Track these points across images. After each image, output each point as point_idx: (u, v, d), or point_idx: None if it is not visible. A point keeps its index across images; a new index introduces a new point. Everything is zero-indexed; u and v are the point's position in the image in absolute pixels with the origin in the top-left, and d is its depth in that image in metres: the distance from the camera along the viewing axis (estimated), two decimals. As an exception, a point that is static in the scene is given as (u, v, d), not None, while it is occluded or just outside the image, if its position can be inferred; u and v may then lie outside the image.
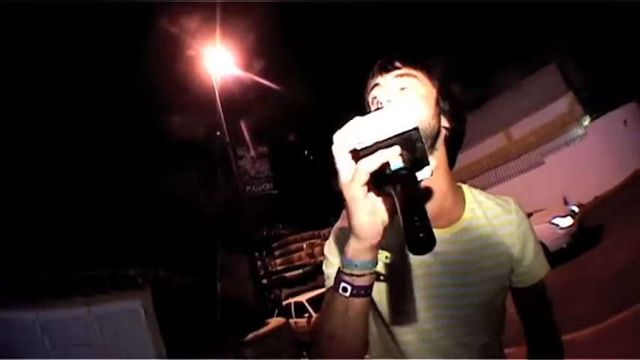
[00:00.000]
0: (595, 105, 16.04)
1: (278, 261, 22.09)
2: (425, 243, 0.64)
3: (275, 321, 9.83)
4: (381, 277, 0.98)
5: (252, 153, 16.52)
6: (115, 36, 11.86)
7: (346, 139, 0.72)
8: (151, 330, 7.28)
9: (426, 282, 1.05)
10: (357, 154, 0.71)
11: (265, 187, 16.47)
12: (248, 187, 15.82)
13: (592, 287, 7.02)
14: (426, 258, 1.01)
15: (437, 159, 1.04)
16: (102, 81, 11.15)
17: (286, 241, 21.92)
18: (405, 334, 1.06)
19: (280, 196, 17.29)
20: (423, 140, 0.71)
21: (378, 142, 0.70)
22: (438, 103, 1.05)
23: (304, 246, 22.18)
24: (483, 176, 18.54)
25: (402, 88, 1.02)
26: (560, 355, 1.22)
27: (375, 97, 1.05)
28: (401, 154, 0.70)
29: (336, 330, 0.85)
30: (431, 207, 1.00)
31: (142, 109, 11.50)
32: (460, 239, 1.06)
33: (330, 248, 1.09)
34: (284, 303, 14.36)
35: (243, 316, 9.16)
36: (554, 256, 9.44)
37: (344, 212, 1.00)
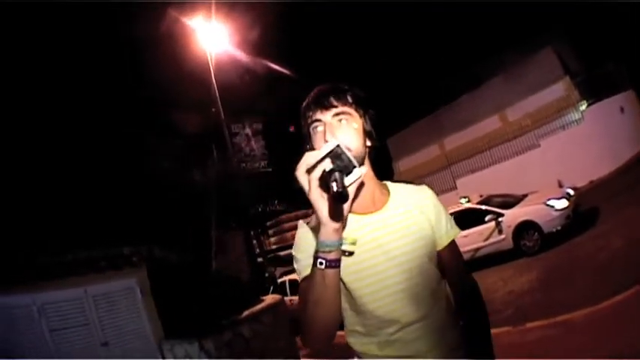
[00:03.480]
0: (592, 91, 16.03)
1: (272, 240, 22.14)
2: (343, 193, 1.07)
3: (270, 298, 9.86)
4: (346, 254, 1.36)
5: (247, 130, 16.39)
6: (106, 11, 11.61)
7: (302, 165, 1.15)
8: (148, 308, 7.28)
9: (374, 248, 1.44)
10: (309, 171, 1.14)
11: (260, 164, 16.41)
12: (242, 165, 15.75)
13: (587, 269, 7.12)
14: (371, 235, 1.45)
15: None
16: (91, 57, 10.96)
17: (280, 220, 21.97)
18: (363, 292, 1.44)
19: (274, 173, 17.23)
20: (347, 153, 1.15)
21: (317, 161, 1.13)
22: (365, 130, 1.47)
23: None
24: (479, 157, 18.60)
25: (340, 120, 1.41)
26: (480, 304, 1.66)
27: (317, 128, 1.43)
28: (332, 163, 1.13)
29: (318, 297, 1.22)
30: (365, 199, 1.48)
31: (135, 86, 11.32)
32: (389, 216, 1.49)
33: (296, 248, 1.49)
34: (279, 281, 14.46)
35: (239, 293, 9.19)
36: (549, 237, 9.56)
37: (300, 222, 1.54)
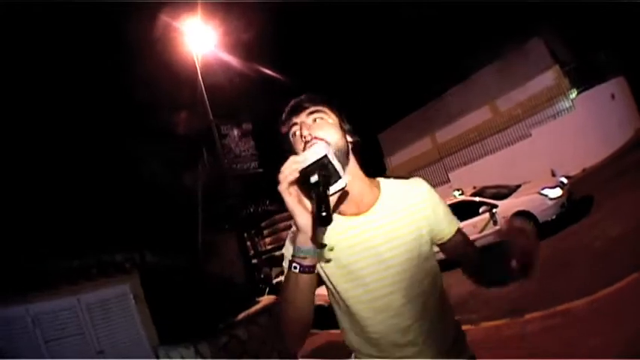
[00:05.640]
0: (582, 79, 16.04)
1: (267, 240, 22.01)
2: (327, 218, 1.06)
3: (266, 299, 9.81)
4: (329, 261, 1.42)
5: (237, 131, 16.28)
6: (93, 13, 11.49)
7: (285, 170, 1.17)
8: (142, 314, 7.22)
9: (361, 252, 1.44)
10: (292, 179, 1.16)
11: (250, 165, 16.29)
12: (233, 166, 15.64)
13: (584, 258, 7.07)
14: (359, 237, 1.44)
15: (351, 167, 1.47)
16: (79, 60, 10.84)
17: (274, 220, 21.84)
18: (355, 297, 1.46)
19: (266, 174, 17.13)
20: (333, 163, 1.16)
21: (304, 168, 1.15)
22: (342, 126, 1.49)
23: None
24: (471, 148, 18.62)
25: (315, 120, 1.45)
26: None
27: (295, 132, 1.46)
28: (318, 174, 1.13)
29: (291, 298, 1.27)
30: (353, 200, 1.48)
31: (122, 89, 11.22)
32: (379, 217, 1.46)
33: (285, 247, 1.49)
34: (274, 281, 14.39)
35: (234, 295, 9.13)
36: (544, 227, 9.53)
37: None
